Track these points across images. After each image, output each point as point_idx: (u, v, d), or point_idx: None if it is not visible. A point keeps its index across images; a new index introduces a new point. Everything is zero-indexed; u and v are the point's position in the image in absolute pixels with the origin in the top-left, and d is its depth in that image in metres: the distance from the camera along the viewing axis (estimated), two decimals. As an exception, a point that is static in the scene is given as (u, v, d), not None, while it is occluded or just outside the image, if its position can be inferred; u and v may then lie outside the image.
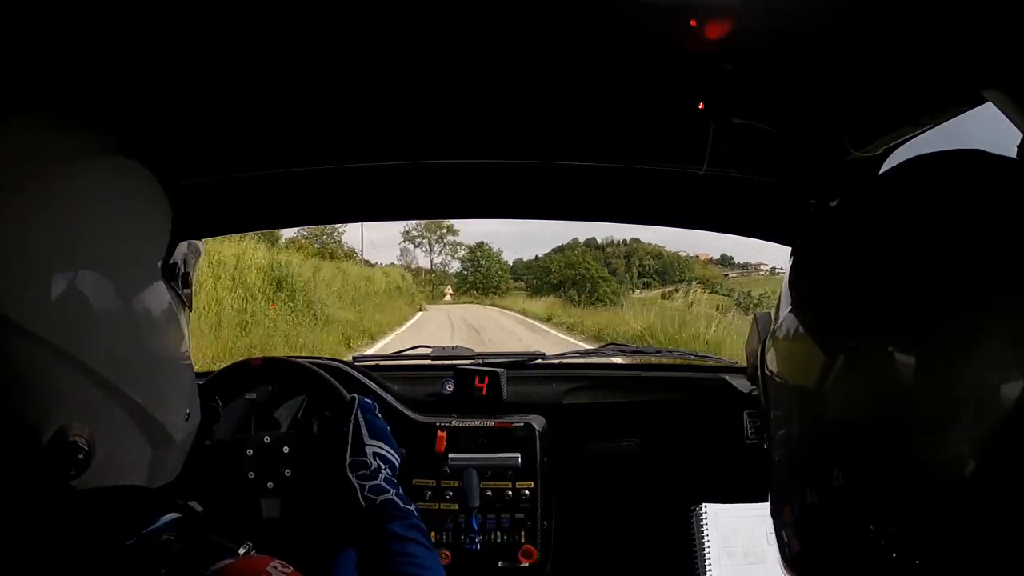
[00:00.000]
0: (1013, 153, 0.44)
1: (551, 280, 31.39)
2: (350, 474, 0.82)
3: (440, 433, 1.12)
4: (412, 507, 0.80)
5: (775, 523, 0.47)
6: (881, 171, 0.58)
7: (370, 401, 0.93)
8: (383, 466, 0.85)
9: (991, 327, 0.34)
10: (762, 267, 35.64)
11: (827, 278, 0.42)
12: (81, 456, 0.45)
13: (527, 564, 1.09)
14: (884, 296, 0.37)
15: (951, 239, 0.36)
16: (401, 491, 0.82)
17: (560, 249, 34.41)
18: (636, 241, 35.80)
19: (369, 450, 0.85)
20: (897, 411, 0.35)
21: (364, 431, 0.87)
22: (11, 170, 0.44)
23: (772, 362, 0.46)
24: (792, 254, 0.47)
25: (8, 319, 0.42)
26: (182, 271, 0.58)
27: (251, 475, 0.97)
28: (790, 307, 0.44)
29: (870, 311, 0.38)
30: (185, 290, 0.59)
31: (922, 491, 0.35)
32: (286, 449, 0.98)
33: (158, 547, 0.52)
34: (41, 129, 0.47)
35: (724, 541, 1.07)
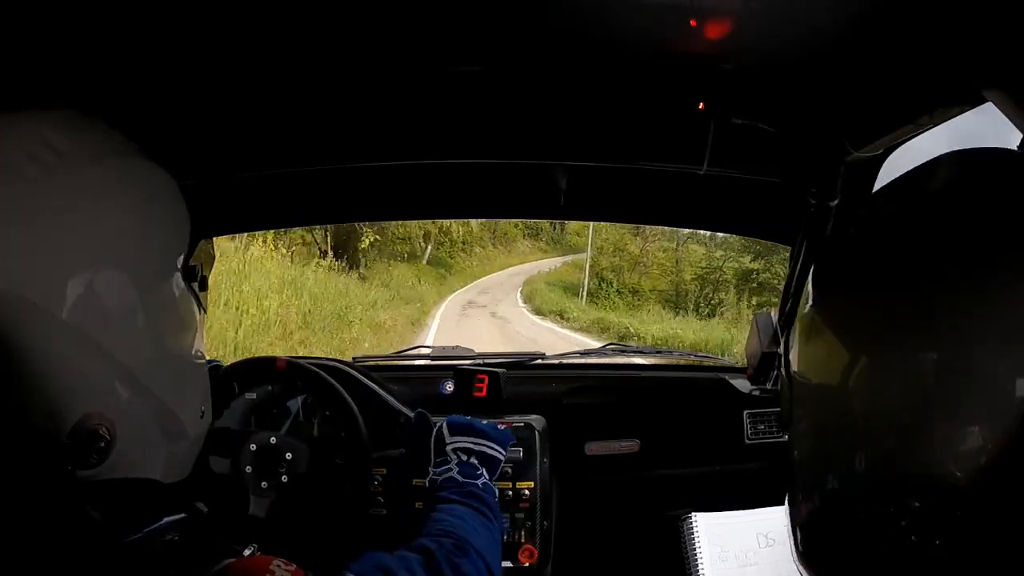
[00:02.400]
0: None
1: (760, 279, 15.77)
2: (432, 469, 0.85)
3: None
4: (479, 482, 0.81)
5: (791, 519, 0.47)
6: (887, 173, 0.58)
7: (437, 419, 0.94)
8: (463, 456, 0.86)
9: (1009, 318, 0.34)
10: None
11: (854, 279, 0.42)
12: (102, 444, 0.46)
13: (527, 564, 1.09)
14: (906, 293, 0.37)
15: (978, 236, 0.36)
16: (477, 473, 0.83)
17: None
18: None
19: (449, 447, 0.88)
20: (923, 403, 0.35)
21: (445, 432, 0.89)
22: (39, 168, 0.45)
23: (794, 359, 0.46)
24: (801, 250, 0.48)
25: (37, 306, 0.43)
26: (200, 274, 0.59)
27: (248, 469, 0.98)
28: (812, 304, 0.44)
29: (895, 308, 0.38)
30: (202, 292, 0.60)
31: (944, 467, 0.34)
32: (289, 455, 0.98)
33: (162, 546, 0.53)
34: (61, 128, 0.48)
35: (715, 547, 1.08)
